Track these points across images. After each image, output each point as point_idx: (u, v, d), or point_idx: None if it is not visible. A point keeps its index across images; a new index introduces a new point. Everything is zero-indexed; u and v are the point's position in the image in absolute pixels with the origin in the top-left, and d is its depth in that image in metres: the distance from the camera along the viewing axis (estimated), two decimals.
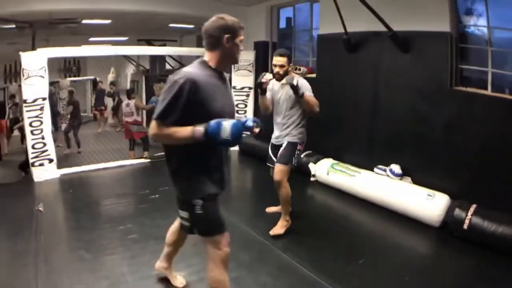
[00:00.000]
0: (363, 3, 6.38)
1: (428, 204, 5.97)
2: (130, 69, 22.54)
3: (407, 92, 6.95)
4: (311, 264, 4.57)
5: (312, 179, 7.87)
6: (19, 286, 4.10)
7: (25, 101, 7.87)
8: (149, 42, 16.08)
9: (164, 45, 16.88)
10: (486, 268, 4.83)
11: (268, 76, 4.80)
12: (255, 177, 7.15)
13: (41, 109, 7.92)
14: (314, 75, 8.98)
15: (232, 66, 10.30)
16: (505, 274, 4.58)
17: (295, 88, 4.83)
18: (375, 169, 7.25)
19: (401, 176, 6.94)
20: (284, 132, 5.32)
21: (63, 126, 14.06)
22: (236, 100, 9.75)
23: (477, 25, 6.41)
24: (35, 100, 7.86)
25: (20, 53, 7.89)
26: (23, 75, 7.84)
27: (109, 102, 18.19)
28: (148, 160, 9.60)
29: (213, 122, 2.76)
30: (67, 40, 14.05)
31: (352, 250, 5.16)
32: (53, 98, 13.58)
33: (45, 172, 8.04)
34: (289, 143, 5.26)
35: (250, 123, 2.97)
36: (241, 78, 10.68)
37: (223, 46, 2.95)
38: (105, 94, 17.72)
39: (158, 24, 13.51)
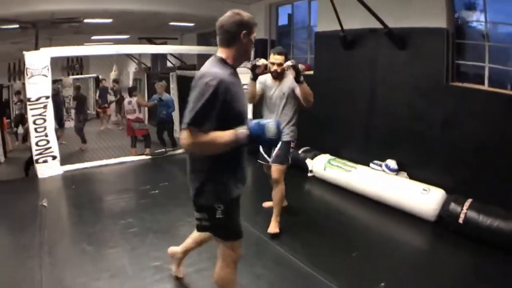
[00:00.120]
0: (359, 0, 6.44)
1: (424, 198, 6.01)
2: (132, 67, 22.56)
3: (403, 89, 6.99)
4: (306, 258, 4.65)
5: (309, 174, 7.96)
6: (24, 278, 4.22)
7: (29, 100, 7.98)
8: (150, 40, 16.10)
9: (165, 43, 16.97)
10: (481, 262, 4.88)
11: (263, 61, 4.70)
12: (252, 173, 7.27)
13: (45, 107, 8.03)
14: (311, 72, 9.01)
15: None
16: (501, 268, 4.64)
17: (297, 71, 4.79)
18: (371, 165, 7.32)
19: (397, 171, 7.00)
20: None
21: (67, 123, 14.25)
22: None
23: (474, 20, 6.44)
24: (38, 99, 7.97)
25: (24, 52, 7.99)
26: (27, 74, 7.94)
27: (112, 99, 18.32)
28: (149, 156, 9.67)
29: (253, 123, 2.78)
30: (69, 39, 14.17)
31: (347, 244, 5.21)
32: (59, 96, 13.82)
33: (49, 169, 8.14)
34: (283, 142, 5.24)
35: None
36: (240, 76, 10.62)
37: (240, 42, 2.87)
38: (108, 92, 17.84)
39: (158, 22, 13.55)
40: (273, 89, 5.27)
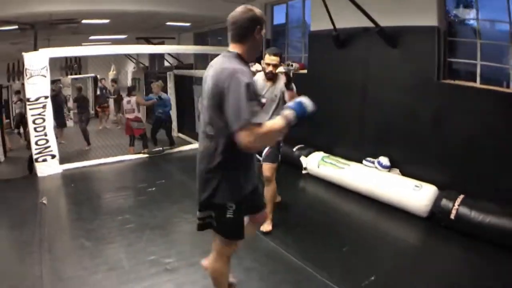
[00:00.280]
0: (350, 0, 6.51)
1: (416, 194, 6.09)
2: (130, 67, 22.66)
3: (395, 86, 7.04)
4: (298, 252, 4.74)
5: (303, 172, 8.05)
6: (25, 272, 4.35)
7: (28, 100, 8.08)
8: (147, 40, 16.17)
9: (163, 42, 17.05)
10: (473, 257, 4.96)
11: (257, 67, 4.87)
12: None
13: (44, 107, 8.13)
14: (306, 71, 9.10)
15: None
16: (492, 263, 4.71)
17: (289, 78, 4.83)
18: (364, 162, 7.37)
19: (389, 168, 7.05)
20: None
21: (67, 123, 14.39)
22: None
23: (466, 18, 6.49)
24: (37, 99, 8.08)
25: (23, 53, 8.10)
26: (26, 75, 8.05)
27: (110, 99, 18.42)
28: (147, 155, 9.76)
29: (293, 104, 2.81)
30: (68, 39, 14.30)
31: (339, 239, 5.29)
32: (60, 95, 13.91)
33: (48, 168, 8.23)
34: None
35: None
36: None
37: (253, 38, 2.88)
38: (107, 92, 17.95)
39: (156, 22, 13.59)
40: (264, 90, 5.26)
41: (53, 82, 9.27)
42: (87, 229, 5.46)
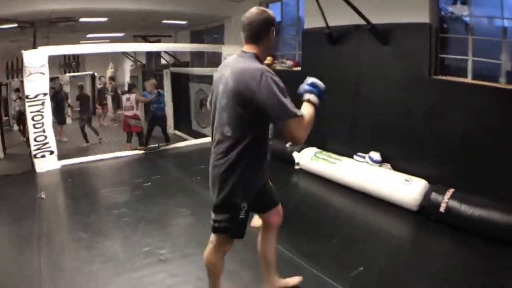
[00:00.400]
0: None
1: (406, 189, 6.17)
2: (127, 64, 22.73)
3: (387, 83, 7.11)
4: (289, 244, 4.79)
5: (296, 167, 8.13)
6: (24, 264, 4.49)
7: (27, 97, 8.17)
8: (144, 38, 16.21)
9: (159, 40, 17.07)
10: (462, 250, 5.04)
11: None
12: None
13: (42, 104, 8.22)
14: (299, 69, 9.22)
15: (222, 60, 10.40)
16: (482, 256, 4.79)
17: None
18: (355, 157, 7.47)
19: (380, 163, 7.15)
20: None
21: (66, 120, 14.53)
22: None
23: (459, 14, 6.57)
24: (36, 96, 8.17)
25: (22, 51, 8.19)
26: (25, 72, 8.13)
27: (109, 97, 18.54)
28: (143, 151, 9.85)
29: (308, 87, 3.00)
30: (66, 37, 14.29)
31: (330, 232, 5.37)
32: (61, 93, 14.06)
33: (47, 163, 8.32)
34: None
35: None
36: None
37: (268, 39, 2.96)
38: (106, 89, 18.07)
39: (152, 21, 13.69)
40: None
41: (51, 79, 9.35)
42: (84, 222, 5.57)
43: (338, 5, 6.74)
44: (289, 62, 9.63)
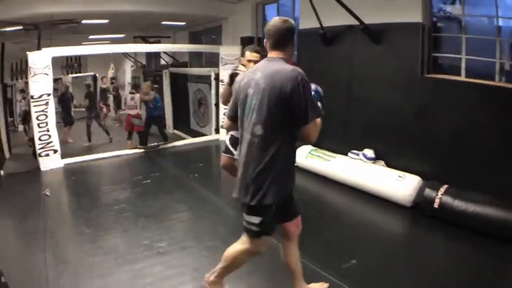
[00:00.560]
0: None
1: (399, 185, 6.25)
2: (128, 65, 22.84)
3: (380, 81, 7.21)
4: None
5: None
6: (31, 256, 4.68)
7: (32, 97, 8.32)
8: (144, 39, 16.37)
9: (159, 41, 17.19)
10: (456, 245, 5.10)
11: (242, 68, 5.07)
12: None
13: (46, 104, 8.38)
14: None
15: (220, 60, 10.78)
16: (475, 251, 4.88)
17: None
18: (349, 154, 7.60)
19: (374, 160, 7.28)
20: None
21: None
22: None
23: (453, 13, 6.67)
24: (41, 96, 8.33)
25: (27, 52, 8.34)
26: (30, 73, 8.28)
27: (110, 97, 18.71)
28: (142, 150, 9.98)
29: (313, 93, 3.05)
30: (68, 38, 14.53)
31: (324, 227, 5.47)
32: (67, 94, 14.11)
33: (51, 162, 8.49)
34: None
35: None
36: (228, 72, 10.90)
37: (291, 45, 3.11)
38: (108, 90, 18.24)
39: (151, 22, 13.86)
40: None
41: (54, 80, 9.55)
42: (87, 217, 5.76)
43: (332, 5, 6.84)
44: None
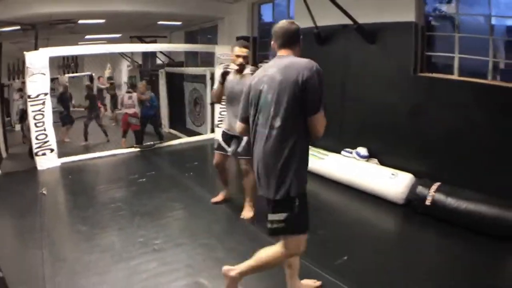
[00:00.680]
0: None
1: (392, 182, 6.33)
2: (124, 65, 22.87)
3: (374, 80, 7.26)
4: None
5: None
6: (28, 254, 4.72)
7: (29, 96, 8.34)
8: (140, 39, 16.43)
9: (155, 41, 17.22)
10: (448, 242, 5.16)
11: (233, 66, 5.14)
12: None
13: (43, 103, 8.39)
14: None
15: (215, 60, 10.79)
16: (468, 248, 4.95)
17: None
18: (343, 152, 7.67)
19: (367, 158, 7.35)
20: None
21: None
22: None
23: (447, 12, 6.72)
24: (38, 96, 8.34)
25: (25, 52, 8.35)
26: (27, 73, 8.29)
27: (107, 97, 18.74)
28: (138, 149, 10.02)
29: None
30: (65, 38, 14.58)
31: (317, 224, 5.14)
32: (66, 94, 14.24)
33: (47, 161, 8.50)
34: None
35: None
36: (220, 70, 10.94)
37: (299, 45, 3.26)
38: (107, 89, 18.30)
39: (148, 22, 13.91)
40: (234, 83, 5.35)
41: (51, 80, 9.61)
42: (83, 216, 5.79)
43: (326, 5, 6.90)
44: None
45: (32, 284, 4.08)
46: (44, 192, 6.83)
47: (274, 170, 3.02)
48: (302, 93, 2.93)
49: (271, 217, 3.13)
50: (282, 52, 3.23)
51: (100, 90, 18.39)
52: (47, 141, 8.57)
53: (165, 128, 14.84)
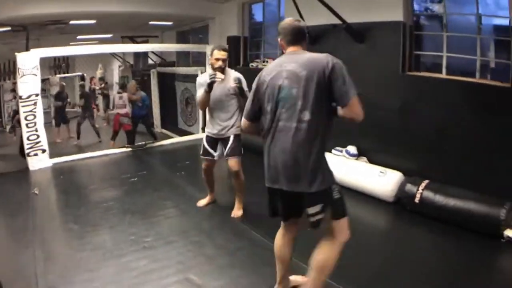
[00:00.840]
0: None
1: (381, 180, 6.41)
2: (116, 65, 22.87)
3: (363, 79, 6.51)
4: (264, 231, 4.99)
5: None
6: (20, 253, 4.77)
7: (20, 97, 8.38)
8: (132, 39, 16.42)
9: (147, 41, 17.29)
10: (436, 239, 5.24)
11: (220, 75, 5.11)
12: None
13: (35, 104, 8.43)
14: None
15: (207, 59, 10.60)
16: (456, 244, 5.03)
17: (241, 90, 5.22)
18: (333, 151, 7.68)
19: (357, 156, 7.40)
20: (227, 124, 5.47)
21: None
22: None
23: (435, 11, 6.79)
24: (29, 96, 8.38)
25: (16, 53, 8.40)
26: (19, 74, 8.35)
27: (99, 97, 18.74)
28: (130, 149, 10.07)
29: None
30: (56, 39, 14.55)
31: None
32: (63, 93, 14.34)
33: (39, 161, 8.53)
34: (234, 136, 5.47)
35: None
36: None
37: (306, 41, 3.29)
38: (96, 91, 18.31)
39: (139, 22, 13.95)
40: (217, 88, 5.30)
41: (42, 81, 9.62)
42: (75, 215, 5.83)
43: (315, 5, 6.97)
44: (271, 61, 9.88)
45: (24, 282, 4.13)
46: (36, 192, 6.87)
47: (306, 163, 3.04)
48: (329, 86, 3.00)
49: (311, 210, 3.13)
50: (292, 49, 3.27)
51: (93, 91, 18.38)
52: (39, 142, 8.59)
53: (157, 128, 14.85)
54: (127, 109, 11.81)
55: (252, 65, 10.91)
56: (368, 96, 6.73)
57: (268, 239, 4.76)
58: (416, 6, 6.99)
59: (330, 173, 3.14)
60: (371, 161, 7.32)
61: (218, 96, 5.35)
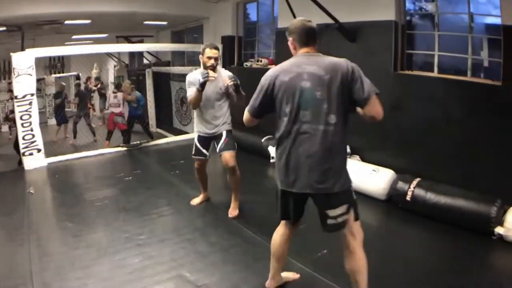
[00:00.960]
0: None
1: (373, 178, 6.42)
2: (111, 65, 22.85)
3: None
4: (257, 229, 5.08)
5: (272, 160, 8.15)
6: (16, 251, 4.80)
7: (16, 97, 8.41)
8: (127, 39, 16.46)
9: (142, 41, 17.33)
10: (428, 236, 5.32)
11: (213, 74, 5.06)
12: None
13: (30, 103, 8.45)
14: (273, 66, 9.43)
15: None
16: (447, 241, 5.09)
17: (237, 87, 5.12)
18: None
19: (349, 155, 7.35)
20: (220, 122, 5.50)
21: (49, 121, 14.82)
22: None
23: (427, 10, 6.87)
24: (24, 96, 8.39)
25: (11, 54, 8.43)
26: (14, 74, 8.37)
27: (95, 97, 18.78)
28: (125, 148, 10.11)
29: None
30: (51, 38, 14.58)
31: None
32: (63, 93, 14.44)
33: (35, 161, 8.55)
34: (227, 131, 5.51)
35: None
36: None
37: (317, 42, 3.30)
38: (92, 91, 18.34)
39: (134, 22, 13.97)
40: (209, 86, 5.28)
41: (38, 80, 9.66)
42: (70, 213, 5.88)
43: (308, 5, 6.99)
44: (265, 60, 9.97)
45: (19, 279, 4.16)
46: (31, 191, 6.90)
47: (334, 164, 3.09)
48: (352, 86, 3.06)
49: (333, 212, 3.18)
50: (306, 50, 3.28)
51: (89, 90, 18.40)
52: (34, 141, 8.61)
53: (152, 127, 14.87)
54: (121, 108, 11.88)
55: (246, 65, 10.94)
56: None
57: (260, 236, 4.93)
58: (408, 5, 7.05)
59: (348, 175, 3.21)
60: (364, 159, 7.39)
61: (209, 95, 5.36)
